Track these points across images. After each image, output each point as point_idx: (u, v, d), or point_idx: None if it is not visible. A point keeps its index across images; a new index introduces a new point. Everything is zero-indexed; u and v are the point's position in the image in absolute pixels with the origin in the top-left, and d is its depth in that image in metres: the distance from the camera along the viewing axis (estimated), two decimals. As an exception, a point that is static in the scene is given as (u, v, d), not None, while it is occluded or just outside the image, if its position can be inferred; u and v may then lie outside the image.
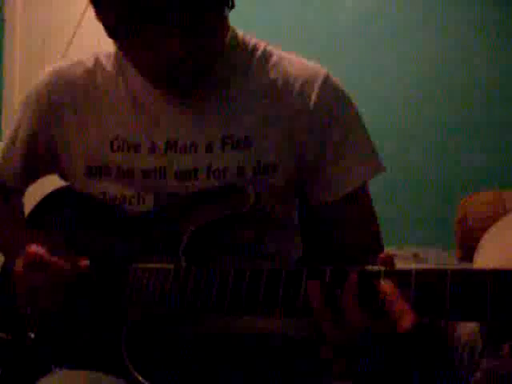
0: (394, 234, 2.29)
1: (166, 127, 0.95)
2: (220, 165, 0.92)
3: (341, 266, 0.71)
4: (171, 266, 0.84)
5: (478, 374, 1.06)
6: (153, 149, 0.95)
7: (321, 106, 0.94)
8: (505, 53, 2.60)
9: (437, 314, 0.64)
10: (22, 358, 0.96)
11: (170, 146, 0.94)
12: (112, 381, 0.86)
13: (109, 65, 1.00)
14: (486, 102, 2.61)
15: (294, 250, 1.01)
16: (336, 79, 0.98)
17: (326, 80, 0.96)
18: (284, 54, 0.99)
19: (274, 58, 0.97)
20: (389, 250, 0.77)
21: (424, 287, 0.65)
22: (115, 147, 0.96)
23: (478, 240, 1.24)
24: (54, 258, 0.87)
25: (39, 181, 1.10)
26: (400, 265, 0.69)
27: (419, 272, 0.66)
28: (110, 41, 0.88)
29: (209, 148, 0.93)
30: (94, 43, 1.65)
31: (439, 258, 2.22)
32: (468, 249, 2.05)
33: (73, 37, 2.68)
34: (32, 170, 1.07)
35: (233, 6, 0.85)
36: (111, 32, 0.85)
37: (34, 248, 0.87)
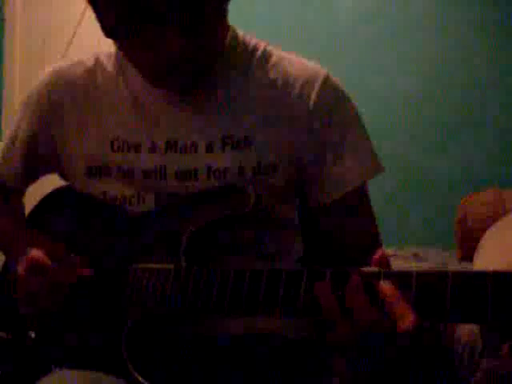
0: (394, 234, 2.29)
1: (166, 127, 0.95)
2: (220, 165, 0.92)
3: (341, 268, 0.71)
4: (171, 267, 0.84)
5: (478, 374, 1.07)
6: (153, 149, 0.95)
7: (321, 106, 0.94)
8: (505, 53, 2.60)
9: (437, 315, 0.64)
10: (22, 358, 0.96)
11: (170, 146, 0.94)
12: (112, 381, 0.86)
13: (109, 65, 1.00)
14: (486, 102, 2.61)
15: (294, 250, 1.01)
16: (336, 79, 0.98)
17: (326, 80, 0.96)
18: (284, 54, 0.99)
19: (274, 58, 0.97)
20: (389, 250, 0.77)
21: (425, 289, 0.65)
22: (115, 147, 0.96)
23: (477, 240, 1.24)
24: (55, 264, 0.87)
25: (39, 181, 1.10)
26: (400, 264, 0.69)
27: (420, 274, 0.66)
28: (110, 41, 0.88)
29: (209, 148, 0.93)
30: (93, 43, 1.65)
31: (439, 257, 2.22)
32: (468, 249, 2.05)
33: (73, 37, 2.69)
34: (32, 170, 1.07)
35: None
36: (109, 32, 0.85)
37: (35, 253, 0.87)
